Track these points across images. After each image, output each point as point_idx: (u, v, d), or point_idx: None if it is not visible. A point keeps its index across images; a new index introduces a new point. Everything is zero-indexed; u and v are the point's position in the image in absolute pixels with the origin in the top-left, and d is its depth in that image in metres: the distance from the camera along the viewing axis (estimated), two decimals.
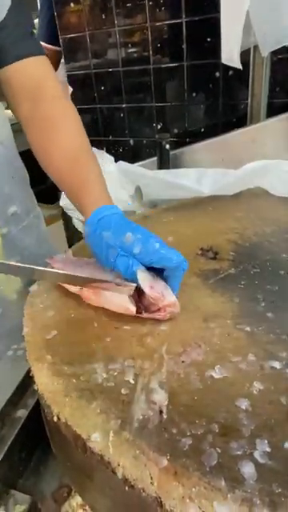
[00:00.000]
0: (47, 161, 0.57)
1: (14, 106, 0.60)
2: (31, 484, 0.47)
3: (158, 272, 0.46)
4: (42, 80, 0.58)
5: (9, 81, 0.58)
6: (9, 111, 0.63)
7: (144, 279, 0.44)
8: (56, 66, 1.64)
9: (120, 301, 0.45)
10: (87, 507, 0.44)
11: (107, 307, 0.47)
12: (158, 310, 0.43)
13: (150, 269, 0.45)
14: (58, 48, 1.60)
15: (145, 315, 0.44)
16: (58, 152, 0.56)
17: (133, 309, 0.44)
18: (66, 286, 0.50)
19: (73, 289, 0.49)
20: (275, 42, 0.96)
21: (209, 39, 1.23)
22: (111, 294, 0.45)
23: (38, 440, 0.50)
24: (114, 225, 0.47)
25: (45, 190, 1.18)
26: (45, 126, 0.57)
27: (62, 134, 0.57)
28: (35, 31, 0.59)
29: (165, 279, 0.45)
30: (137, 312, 0.44)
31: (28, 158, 0.70)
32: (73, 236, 1.19)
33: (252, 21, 0.92)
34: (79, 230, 1.06)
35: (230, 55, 1.00)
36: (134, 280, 0.44)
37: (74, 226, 1.08)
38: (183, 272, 0.45)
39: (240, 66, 1.00)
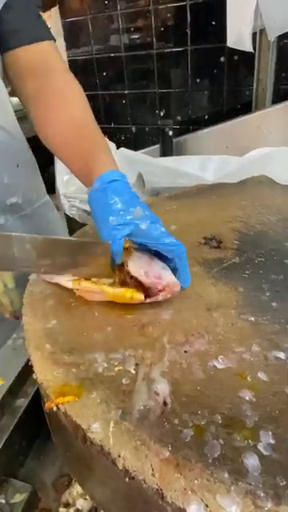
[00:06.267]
0: (53, 129, 0.56)
1: (19, 84, 0.60)
2: (31, 473, 0.47)
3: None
4: (51, 60, 0.59)
5: (17, 61, 0.57)
6: (13, 99, 0.62)
7: (136, 268, 0.43)
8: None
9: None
10: (87, 496, 0.44)
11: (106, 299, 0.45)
12: (160, 291, 0.42)
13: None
14: None
15: (147, 300, 0.43)
16: (66, 120, 0.55)
17: (141, 297, 0.43)
18: (62, 282, 0.47)
19: (66, 284, 0.47)
20: (283, 26, 0.93)
21: (213, 22, 1.20)
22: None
23: (38, 429, 0.50)
24: (127, 193, 0.45)
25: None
26: (53, 98, 0.57)
27: (70, 104, 0.57)
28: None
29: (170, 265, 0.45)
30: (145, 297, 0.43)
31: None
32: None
33: (260, 4, 0.89)
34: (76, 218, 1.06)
35: (239, 38, 0.97)
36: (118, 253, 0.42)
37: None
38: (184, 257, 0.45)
39: (251, 49, 0.98)
